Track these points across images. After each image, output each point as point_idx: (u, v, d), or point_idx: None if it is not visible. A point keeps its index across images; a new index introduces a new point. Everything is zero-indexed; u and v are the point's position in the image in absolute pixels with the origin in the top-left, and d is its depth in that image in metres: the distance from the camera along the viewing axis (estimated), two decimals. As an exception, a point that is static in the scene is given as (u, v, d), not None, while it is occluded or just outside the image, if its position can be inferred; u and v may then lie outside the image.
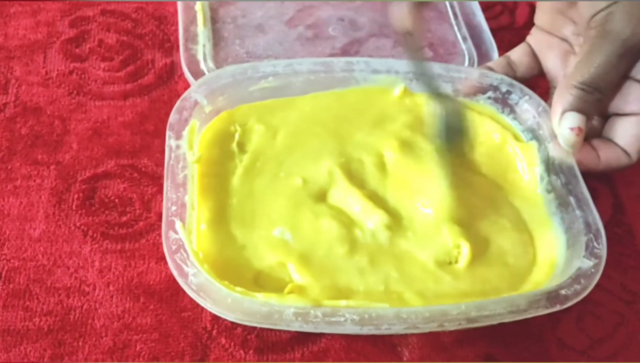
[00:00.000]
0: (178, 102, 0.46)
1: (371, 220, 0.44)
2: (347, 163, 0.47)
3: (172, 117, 0.46)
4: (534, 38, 0.52)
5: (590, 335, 0.45)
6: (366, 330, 0.38)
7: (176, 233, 0.40)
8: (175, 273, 0.39)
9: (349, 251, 0.43)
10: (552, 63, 0.51)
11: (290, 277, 0.42)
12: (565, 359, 0.44)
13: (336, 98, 0.50)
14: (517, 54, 0.52)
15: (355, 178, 0.46)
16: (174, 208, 0.41)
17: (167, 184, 0.43)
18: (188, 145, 0.45)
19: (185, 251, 0.40)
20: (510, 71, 0.52)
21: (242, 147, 0.47)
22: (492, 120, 0.50)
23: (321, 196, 0.45)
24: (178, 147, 0.44)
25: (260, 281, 0.42)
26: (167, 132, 0.45)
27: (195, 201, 0.43)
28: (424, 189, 0.46)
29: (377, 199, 0.45)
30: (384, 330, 0.38)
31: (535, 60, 0.52)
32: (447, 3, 0.61)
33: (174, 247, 0.40)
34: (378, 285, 0.42)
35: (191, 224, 0.42)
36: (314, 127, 0.49)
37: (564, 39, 0.50)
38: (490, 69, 0.51)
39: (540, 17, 0.52)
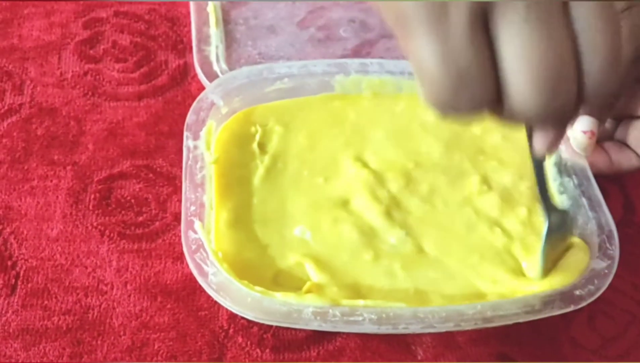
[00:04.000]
0: (195, 103, 0.47)
1: (392, 236, 0.44)
2: (370, 173, 0.47)
3: (189, 118, 0.46)
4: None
5: (602, 334, 0.45)
6: (384, 330, 0.39)
7: (195, 232, 0.41)
8: (195, 272, 0.40)
9: (374, 257, 0.43)
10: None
11: (308, 277, 0.42)
12: (578, 358, 0.44)
13: (351, 102, 0.51)
14: None
15: (379, 189, 0.46)
16: (193, 208, 0.42)
17: (185, 185, 0.43)
18: (205, 145, 0.45)
19: (205, 250, 0.40)
20: None
21: (262, 147, 0.48)
22: None
23: (342, 202, 0.46)
24: (196, 147, 0.45)
25: (279, 280, 0.42)
26: (185, 133, 0.45)
27: (213, 201, 0.44)
28: None
29: (400, 214, 0.45)
30: (401, 329, 0.39)
31: None
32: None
33: (193, 247, 0.40)
34: (408, 286, 0.42)
35: (209, 224, 0.43)
36: (333, 130, 0.49)
37: None
38: None
39: None
